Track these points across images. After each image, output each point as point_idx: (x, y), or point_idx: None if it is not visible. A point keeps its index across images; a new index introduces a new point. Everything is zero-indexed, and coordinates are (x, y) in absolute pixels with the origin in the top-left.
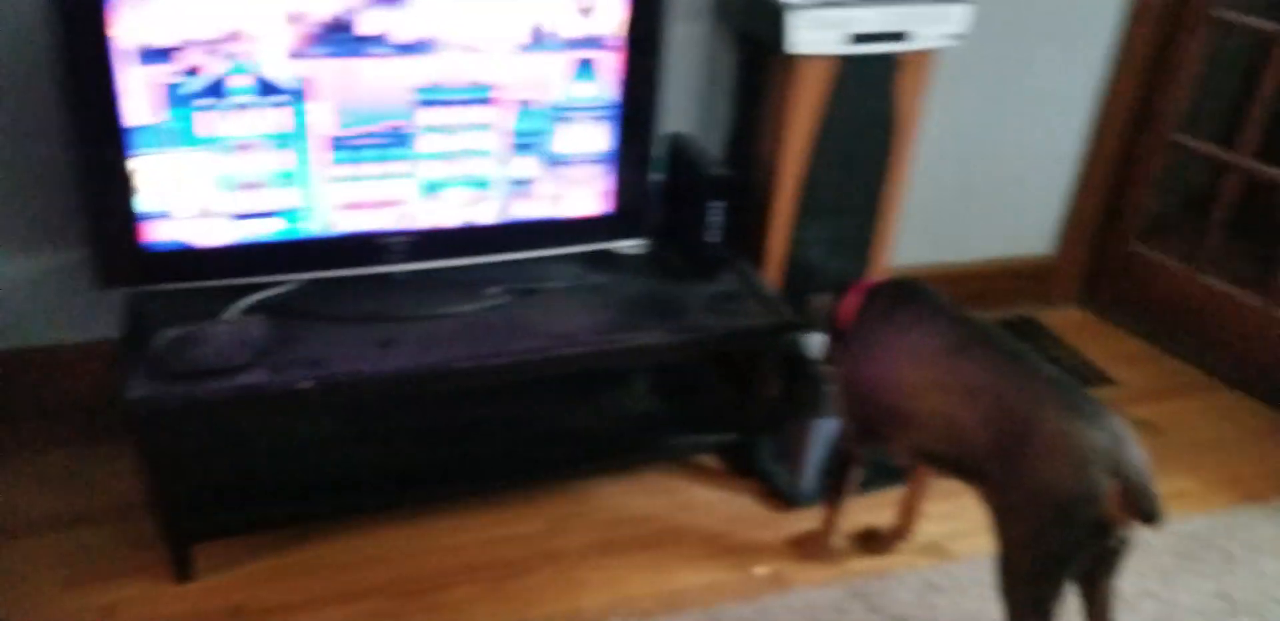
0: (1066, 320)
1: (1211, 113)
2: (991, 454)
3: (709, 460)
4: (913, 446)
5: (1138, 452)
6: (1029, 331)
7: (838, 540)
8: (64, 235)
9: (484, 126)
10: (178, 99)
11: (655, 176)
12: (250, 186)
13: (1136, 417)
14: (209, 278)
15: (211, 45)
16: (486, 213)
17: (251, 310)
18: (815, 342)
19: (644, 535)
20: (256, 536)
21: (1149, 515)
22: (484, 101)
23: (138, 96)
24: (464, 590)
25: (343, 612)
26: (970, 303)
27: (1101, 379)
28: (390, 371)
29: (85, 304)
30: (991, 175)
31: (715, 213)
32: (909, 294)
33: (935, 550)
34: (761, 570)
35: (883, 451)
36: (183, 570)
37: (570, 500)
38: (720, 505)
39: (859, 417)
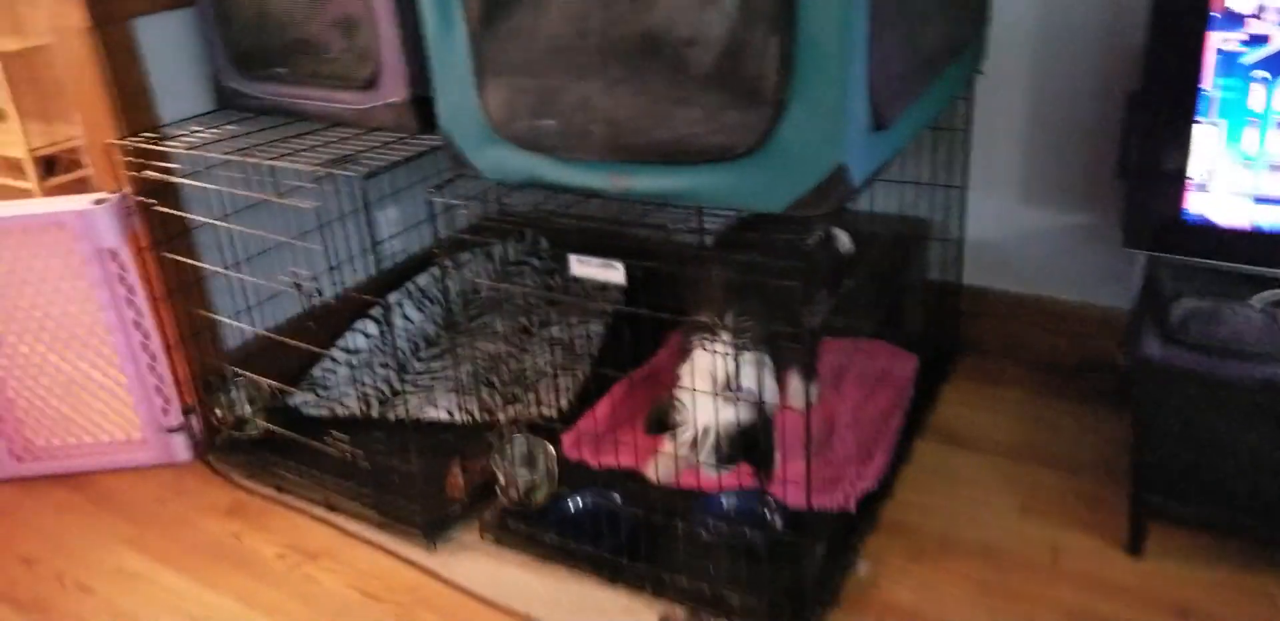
0: None
1: None
2: None
3: None
4: None
5: None
6: None
7: None
8: (1093, 194)
9: None
10: (1233, 68)
11: None
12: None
13: None
14: (1230, 258)
15: None
16: None
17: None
18: None
19: None
20: (1210, 538)
21: None
22: None
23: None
24: None
25: None
26: None
27: None
28: None
29: (1088, 265)
30: None
31: None
32: None
33: None
34: None
35: None
36: (1135, 542)
37: None
38: None
39: None
